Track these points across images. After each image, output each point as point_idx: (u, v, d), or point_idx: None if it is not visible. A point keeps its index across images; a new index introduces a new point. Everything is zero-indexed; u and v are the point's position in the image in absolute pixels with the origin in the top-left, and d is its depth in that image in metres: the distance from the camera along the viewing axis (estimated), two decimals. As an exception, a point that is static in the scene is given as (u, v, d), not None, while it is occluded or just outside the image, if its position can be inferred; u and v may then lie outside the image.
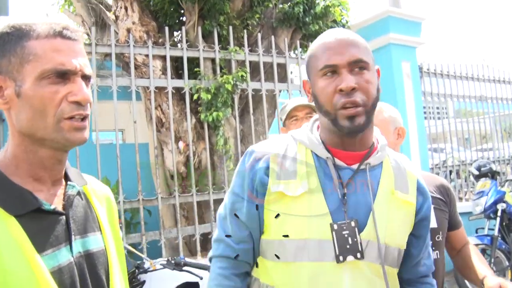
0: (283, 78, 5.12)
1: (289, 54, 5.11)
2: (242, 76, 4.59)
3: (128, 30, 4.78)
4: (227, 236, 1.29)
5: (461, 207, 4.14)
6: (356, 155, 1.22)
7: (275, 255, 1.20)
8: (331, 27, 5.57)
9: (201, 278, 2.70)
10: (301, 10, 5.27)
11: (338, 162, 1.21)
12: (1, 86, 0.93)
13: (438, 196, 1.90)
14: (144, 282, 2.75)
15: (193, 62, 4.78)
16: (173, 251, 4.82)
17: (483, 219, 5.10)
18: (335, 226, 1.15)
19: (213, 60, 4.77)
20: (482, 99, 6.90)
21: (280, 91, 5.01)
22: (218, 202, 4.07)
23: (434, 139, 7.06)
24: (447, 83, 6.42)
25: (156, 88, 4.35)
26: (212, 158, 4.86)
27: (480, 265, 1.83)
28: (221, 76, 4.57)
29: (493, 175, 5.24)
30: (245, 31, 4.91)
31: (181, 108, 4.80)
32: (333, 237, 1.14)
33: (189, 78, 4.48)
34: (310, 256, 1.15)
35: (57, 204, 0.97)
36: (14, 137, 0.95)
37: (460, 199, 6.33)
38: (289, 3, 5.49)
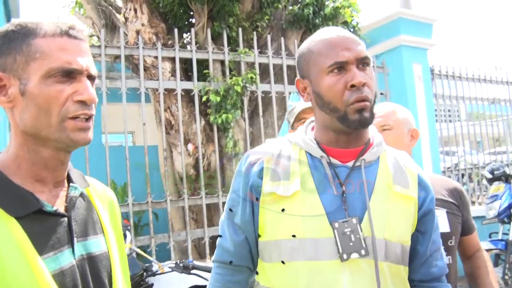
0: (293, 80, 5.08)
1: (299, 56, 5.07)
2: (251, 78, 4.57)
3: (138, 32, 4.78)
4: (224, 240, 1.31)
5: (474, 211, 4.07)
6: (352, 151, 1.23)
7: (271, 256, 1.21)
8: (341, 28, 5.52)
9: (210, 282, 2.67)
10: (311, 11, 5.23)
11: (333, 160, 1.22)
12: (5, 84, 0.91)
13: (451, 200, 1.87)
14: (152, 285, 2.74)
15: (202, 64, 4.77)
16: (182, 254, 4.80)
17: (496, 223, 5.01)
18: (336, 225, 1.14)
19: (222, 62, 4.76)
20: (495, 102, 6.82)
21: (290, 93, 4.97)
22: (227, 204, 4.03)
23: (446, 142, 6.98)
24: (459, 85, 6.35)
25: (165, 90, 4.34)
26: (222, 160, 4.84)
27: (486, 279, 1.82)
28: (231, 78, 4.55)
29: (506, 178, 5.15)
30: (254, 32, 4.88)
31: (190, 110, 4.78)
32: (335, 235, 1.13)
33: (198, 80, 4.47)
34: (306, 256, 1.14)
35: (59, 206, 0.95)
36: (17, 137, 0.93)
37: (473, 203, 6.24)
38: (299, 4, 5.46)
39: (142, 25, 4.83)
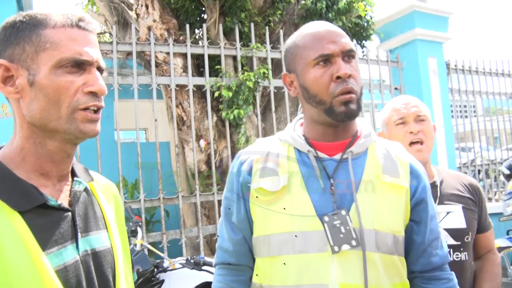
0: (306, 75, 5.03)
1: (312, 51, 5.02)
2: (263, 73, 4.53)
3: (149, 28, 4.77)
4: (223, 240, 1.33)
5: (490, 207, 3.99)
6: (339, 144, 1.24)
7: (262, 251, 1.23)
8: (355, 23, 5.46)
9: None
10: (324, 6, 5.16)
11: (321, 154, 1.23)
12: (12, 75, 0.89)
13: (467, 195, 1.84)
14: (163, 281, 2.73)
15: (214, 60, 4.75)
16: (194, 250, 4.80)
17: (514, 220, 4.93)
18: (326, 218, 1.15)
19: (234, 58, 4.73)
20: (512, 96, 6.67)
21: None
22: (239, 201, 4.01)
23: (462, 138, 6.87)
24: (476, 80, 6.22)
25: (177, 86, 4.33)
26: (234, 156, 4.81)
27: (483, 285, 1.79)
28: (243, 74, 4.51)
29: (525, 174, 5.05)
30: (266, 28, 4.84)
31: (202, 106, 4.76)
32: (325, 228, 1.14)
33: (210, 76, 4.45)
34: (295, 249, 1.16)
35: (63, 200, 0.94)
36: (23, 129, 0.92)
37: (490, 199, 6.13)
38: (312, -1, 5.40)
39: (154, 21, 4.81)
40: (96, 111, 0.93)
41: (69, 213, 0.93)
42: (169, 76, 4.32)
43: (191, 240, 4.74)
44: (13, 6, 3.54)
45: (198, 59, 4.99)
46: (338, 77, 1.16)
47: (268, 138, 1.37)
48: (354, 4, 5.30)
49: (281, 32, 4.84)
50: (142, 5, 4.88)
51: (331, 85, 1.16)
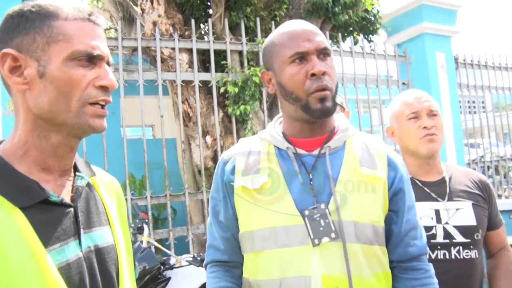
0: (312, 70, 4.99)
1: (319, 45, 4.96)
2: (270, 68, 4.48)
3: (154, 23, 4.74)
4: (214, 239, 1.38)
5: (501, 204, 3.94)
6: (317, 140, 1.29)
7: (247, 246, 1.28)
8: (362, 17, 5.40)
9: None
10: (330, 0, 5.11)
11: (299, 150, 1.28)
12: (20, 65, 0.87)
13: (477, 191, 1.81)
14: (169, 278, 2.71)
15: (220, 55, 4.71)
16: (201, 247, 4.78)
17: (525, 216, 4.88)
18: (306, 212, 1.19)
19: (240, 53, 4.68)
20: (523, 91, 6.58)
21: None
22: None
23: (471, 134, 6.79)
24: (485, 74, 6.14)
25: (182, 81, 4.30)
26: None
27: (499, 283, 1.76)
28: (249, 69, 4.47)
29: (535, 170, 4.99)
30: (272, 22, 4.80)
31: (208, 102, 4.73)
32: (305, 222, 1.19)
33: (216, 71, 4.41)
34: (278, 243, 1.20)
35: (65, 196, 0.92)
36: (27, 122, 0.89)
37: (499, 196, 6.06)
38: (318, -7, 5.34)
39: (159, 16, 4.78)
40: (103, 106, 0.93)
41: (71, 209, 0.91)
42: (175, 71, 4.29)
43: (198, 237, 4.72)
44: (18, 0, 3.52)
45: (203, 55, 4.96)
46: (313, 74, 1.20)
47: (250, 137, 1.43)
48: (361, -2, 5.25)
49: (288, 26, 4.80)
50: (147, 0, 4.85)
51: (306, 82, 1.21)
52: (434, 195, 1.77)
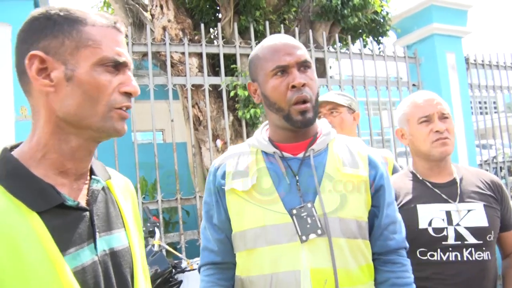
0: (322, 73, 4.98)
1: (328, 48, 4.95)
2: (279, 71, 4.48)
3: (164, 28, 4.77)
4: (207, 241, 1.44)
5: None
6: (301, 144, 1.38)
7: (239, 245, 1.35)
8: (371, 19, 5.38)
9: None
10: (339, 2, 5.11)
11: (286, 154, 1.37)
12: (46, 67, 0.88)
13: (488, 192, 1.79)
14: (181, 281, 2.72)
15: (230, 59, 4.72)
16: (212, 251, 4.77)
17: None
18: (294, 211, 1.28)
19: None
20: (535, 91, 6.51)
21: (319, 86, 4.87)
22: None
23: (482, 135, 6.73)
24: (496, 75, 6.08)
25: (192, 86, 4.31)
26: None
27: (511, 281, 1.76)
28: (258, 72, 4.47)
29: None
30: (282, 26, 4.79)
31: (219, 105, 4.75)
32: (293, 220, 1.27)
33: (226, 75, 4.42)
34: (268, 241, 1.28)
35: (81, 199, 0.93)
36: (49, 124, 0.90)
37: (512, 197, 6.00)
38: (327, -5, 5.35)
39: (169, 21, 4.82)
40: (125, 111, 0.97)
41: (87, 213, 0.92)
42: (185, 76, 4.30)
43: (209, 240, 4.72)
44: (30, 5, 3.56)
45: (213, 59, 4.98)
46: (293, 86, 1.29)
47: (239, 144, 1.52)
48: (369, 0, 5.23)
49: (296, 30, 4.79)
50: (156, 6, 4.89)
51: (288, 93, 1.30)
52: (445, 197, 1.76)
